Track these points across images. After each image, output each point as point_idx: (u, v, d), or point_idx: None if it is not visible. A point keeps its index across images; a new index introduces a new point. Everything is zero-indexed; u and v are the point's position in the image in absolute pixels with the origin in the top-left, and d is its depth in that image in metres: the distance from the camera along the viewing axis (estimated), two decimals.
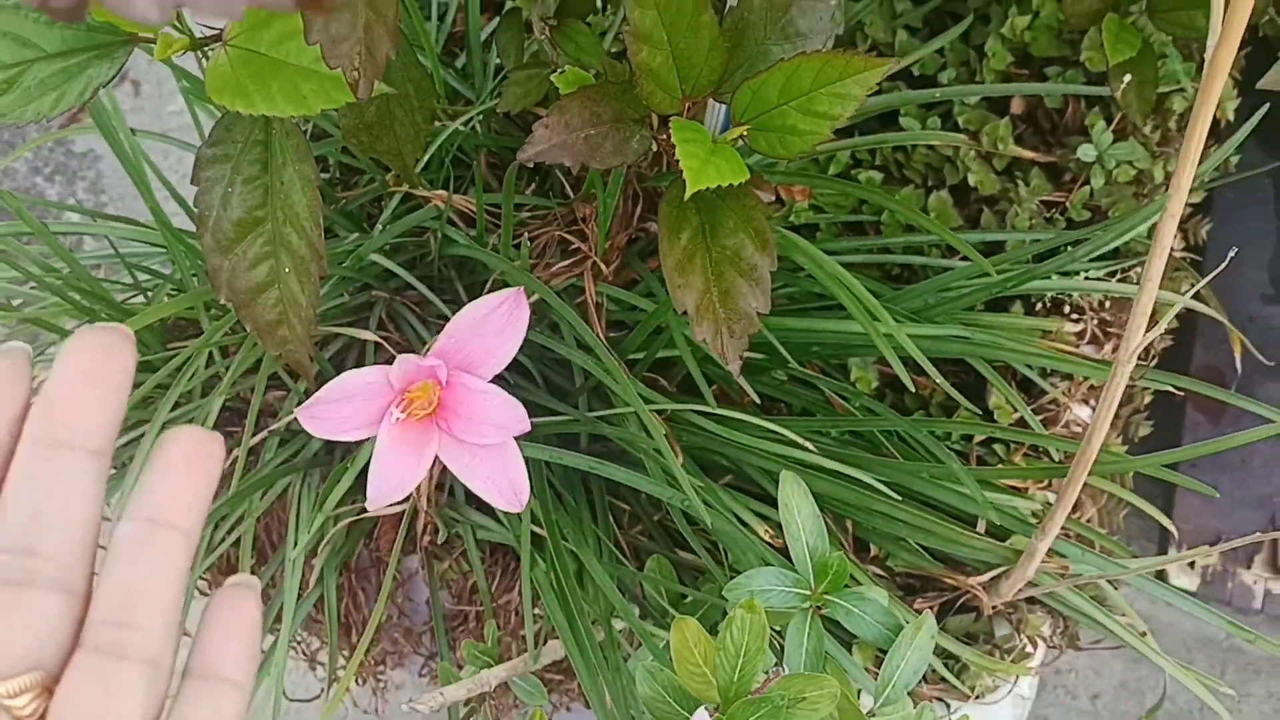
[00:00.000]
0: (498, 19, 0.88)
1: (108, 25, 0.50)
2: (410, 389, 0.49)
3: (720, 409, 0.66)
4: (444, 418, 0.49)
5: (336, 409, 0.49)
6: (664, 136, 0.55)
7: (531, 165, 0.79)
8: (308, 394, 0.76)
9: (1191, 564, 1.27)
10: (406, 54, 0.56)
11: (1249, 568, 1.24)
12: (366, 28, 0.42)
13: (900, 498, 0.70)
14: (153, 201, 0.67)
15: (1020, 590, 0.70)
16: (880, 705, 0.54)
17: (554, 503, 0.70)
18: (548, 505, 0.69)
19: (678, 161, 0.51)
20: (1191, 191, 0.90)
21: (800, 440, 0.64)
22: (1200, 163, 0.85)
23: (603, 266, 0.72)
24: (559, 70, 0.57)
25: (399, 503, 0.72)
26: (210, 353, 0.75)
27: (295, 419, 0.73)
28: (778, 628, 0.58)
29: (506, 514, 0.70)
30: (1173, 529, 0.87)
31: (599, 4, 0.67)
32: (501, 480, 0.49)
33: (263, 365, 0.71)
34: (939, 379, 0.65)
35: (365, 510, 0.74)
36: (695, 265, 0.50)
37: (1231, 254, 0.64)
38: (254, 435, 0.73)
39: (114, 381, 0.25)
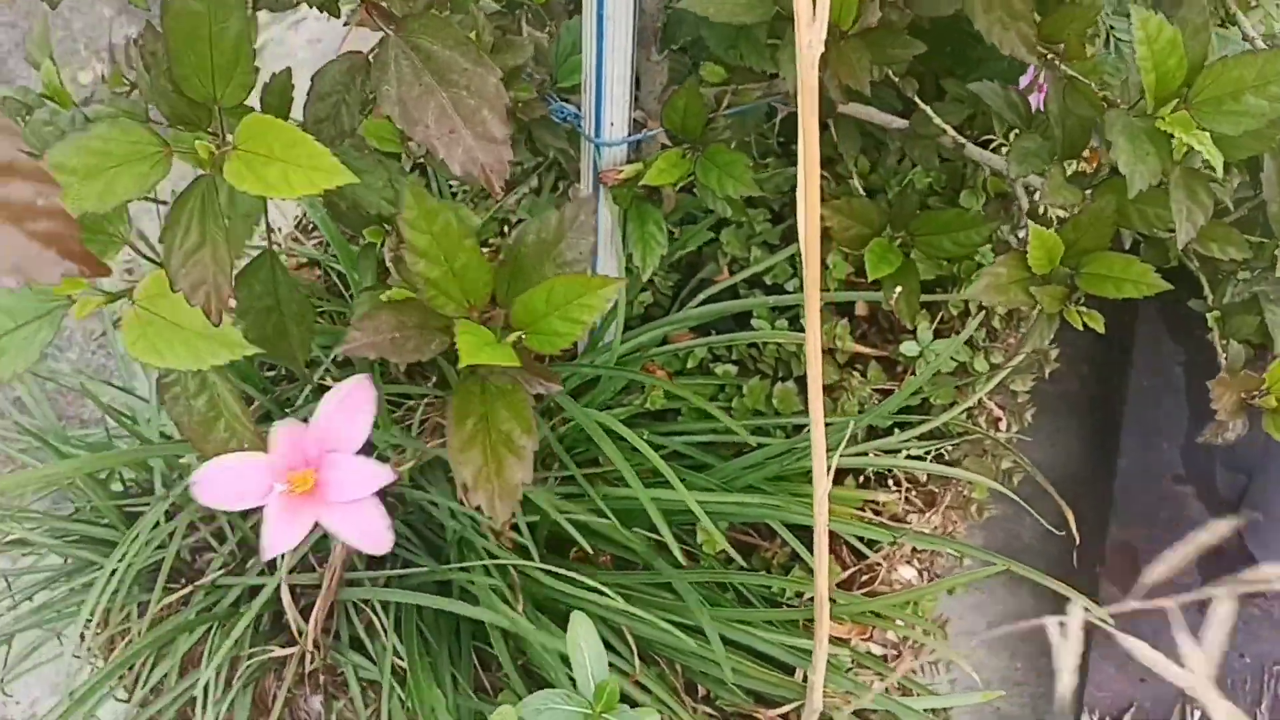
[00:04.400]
0: None
1: (47, 292, 0.66)
2: (292, 476, 0.62)
3: (549, 565, 0.80)
4: (319, 491, 0.63)
5: (222, 482, 0.63)
6: None
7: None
8: (232, 554, 0.91)
9: None
10: (290, 287, 0.73)
11: None
12: (214, 276, 0.59)
13: (722, 643, 0.82)
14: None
15: None
16: None
17: (420, 647, 0.83)
18: (413, 648, 0.82)
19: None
20: (1017, 380, 1.04)
21: (608, 591, 0.77)
22: (1016, 356, 0.99)
23: None
24: (390, 289, 0.74)
25: (293, 645, 0.86)
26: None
27: (218, 576, 0.88)
28: None
29: (378, 654, 0.83)
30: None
31: None
32: (368, 530, 0.62)
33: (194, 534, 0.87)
34: (717, 535, 0.79)
35: (269, 650, 0.88)
36: (476, 445, 0.64)
37: None
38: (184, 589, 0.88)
39: None
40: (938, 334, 1.02)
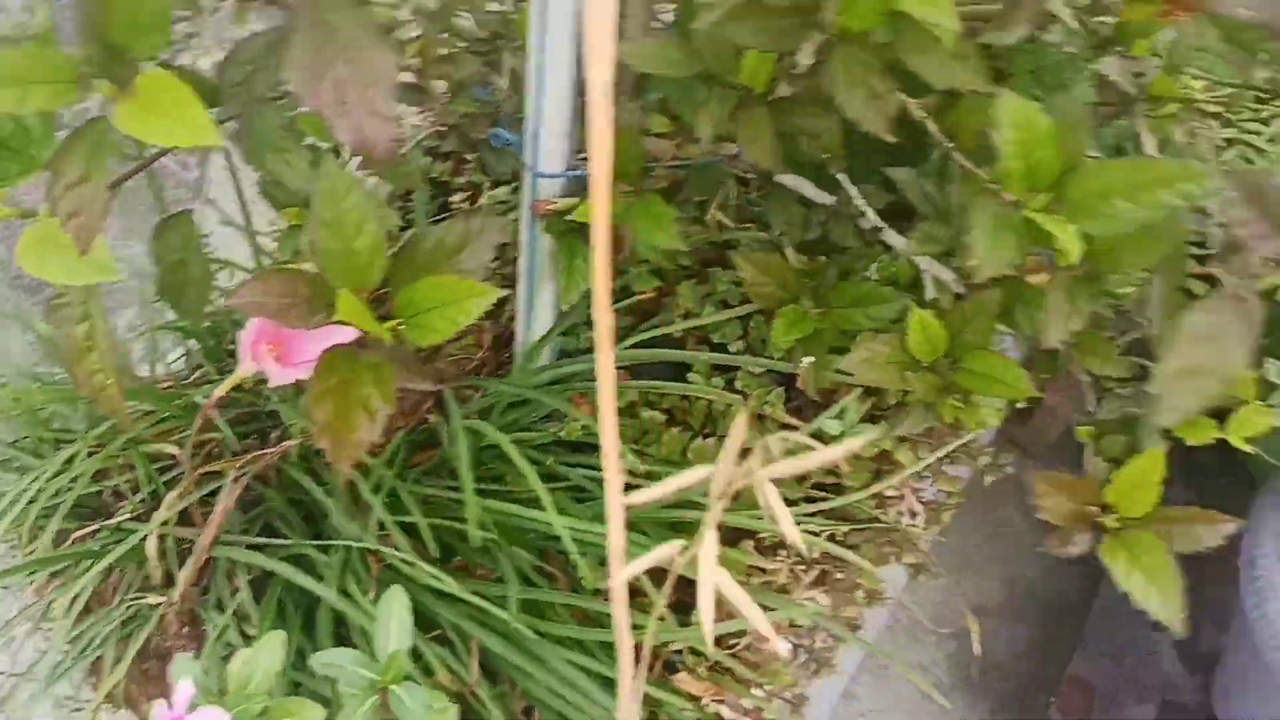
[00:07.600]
0: None
1: None
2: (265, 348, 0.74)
3: (399, 555, 0.82)
4: (286, 356, 0.71)
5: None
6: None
7: None
8: (142, 503, 0.96)
9: None
10: (198, 249, 0.78)
11: None
12: (90, 209, 0.63)
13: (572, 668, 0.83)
14: None
15: None
16: None
17: (274, 615, 0.86)
18: (269, 613, 0.85)
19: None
20: (942, 481, 1.02)
21: (465, 595, 0.79)
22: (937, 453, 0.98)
23: None
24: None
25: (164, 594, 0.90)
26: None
27: (124, 519, 0.92)
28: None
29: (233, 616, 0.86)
30: None
31: None
32: None
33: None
34: (577, 559, 0.80)
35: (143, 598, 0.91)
36: (331, 400, 0.67)
37: None
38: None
39: None
40: (874, 419, 1.01)
